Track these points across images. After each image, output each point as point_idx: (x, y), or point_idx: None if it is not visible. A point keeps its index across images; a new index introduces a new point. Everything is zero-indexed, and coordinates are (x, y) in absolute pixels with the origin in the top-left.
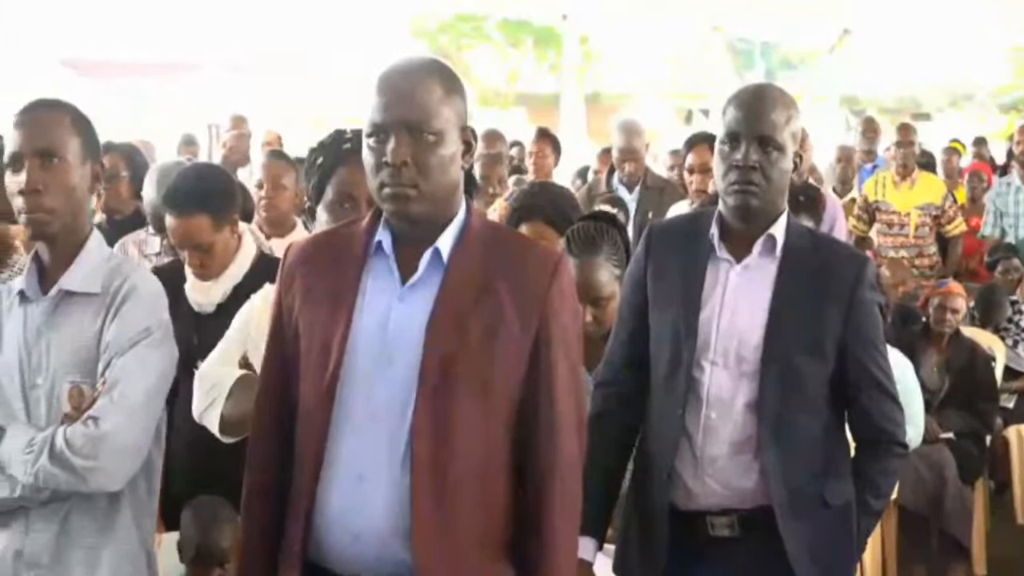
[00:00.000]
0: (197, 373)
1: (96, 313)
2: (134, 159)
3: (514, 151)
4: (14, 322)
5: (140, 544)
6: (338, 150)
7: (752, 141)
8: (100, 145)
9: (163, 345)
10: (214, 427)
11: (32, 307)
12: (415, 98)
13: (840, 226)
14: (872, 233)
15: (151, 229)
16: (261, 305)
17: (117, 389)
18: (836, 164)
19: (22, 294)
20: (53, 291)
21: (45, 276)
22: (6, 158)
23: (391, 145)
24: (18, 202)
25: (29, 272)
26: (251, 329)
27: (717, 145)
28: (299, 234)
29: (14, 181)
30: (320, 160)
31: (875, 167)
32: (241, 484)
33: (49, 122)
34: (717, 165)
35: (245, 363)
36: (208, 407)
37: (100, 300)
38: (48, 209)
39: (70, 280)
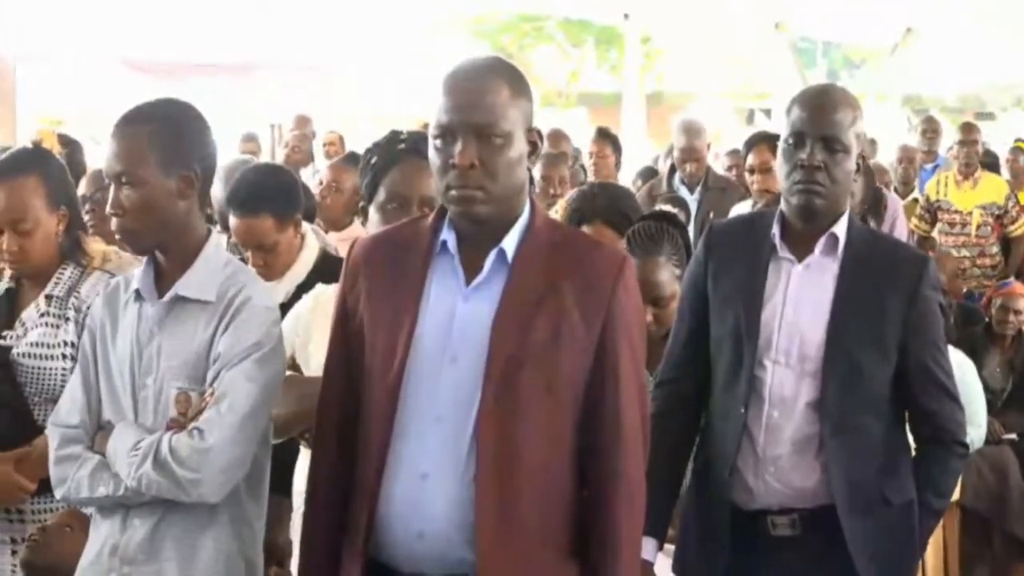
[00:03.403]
0: None
1: (208, 321)
2: None
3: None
4: (129, 319)
5: (239, 550)
6: (392, 150)
7: (817, 141)
8: (192, 149)
9: (273, 359)
10: None
11: (146, 306)
12: (483, 100)
13: (901, 226)
14: (934, 233)
15: (219, 227)
16: (311, 305)
17: (225, 403)
18: (898, 164)
19: (137, 292)
20: (168, 295)
21: (161, 277)
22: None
23: (458, 147)
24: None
25: (145, 272)
26: (299, 329)
27: (781, 144)
28: (356, 229)
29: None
30: (374, 160)
31: (936, 167)
32: (289, 480)
33: (126, 141)
34: (781, 164)
35: (292, 363)
36: None
37: (213, 308)
38: (131, 230)
39: (186, 286)
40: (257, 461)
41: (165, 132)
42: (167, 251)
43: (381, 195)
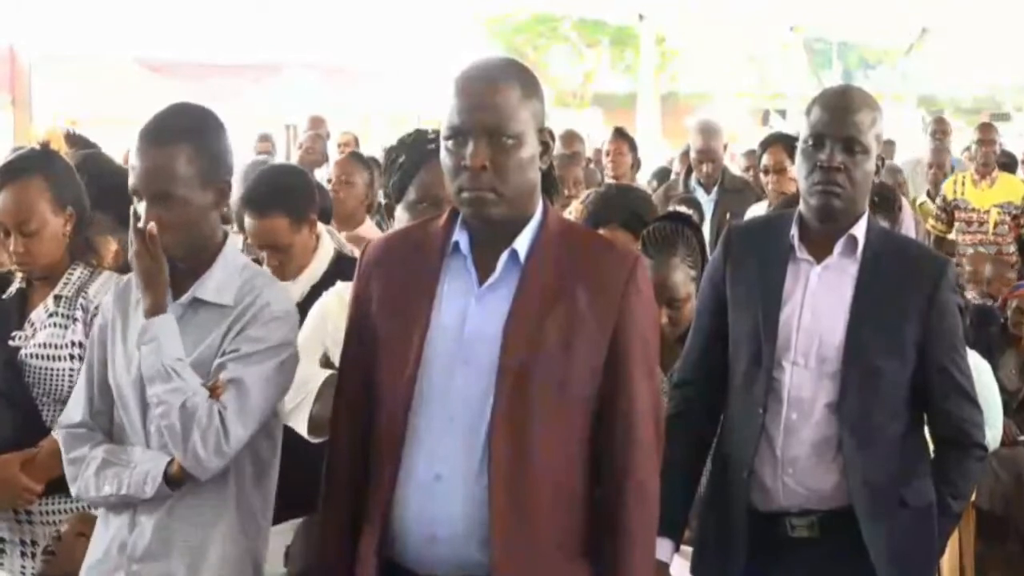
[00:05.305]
0: None
1: (223, 324)
2: None
3: (591, 153)
4: (140, 317)
5: (246, 551)
6: (421, 150)
7: (837, 142)
8: (223, 160)
9: (291, 364)
10: (302, 428)
11: None
12: (494, 101)
13: (908, 228)
14: (952, 233)
15: (235, 227)
16: (336, 301)
17: (247, 401)
18: (928, 170)
19: None
20: (186, 297)
21: (174, 278)
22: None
23: (470, 149)
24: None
25: None
26: (329, 327)
27: (801, 145)
28: (366, 229)
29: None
30: (401, 159)
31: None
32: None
33: (161, 161)
34: (800, 165)
35: (327, 362)
36: (295, 408)
37: (230, 312)
38: (167, 245)
39: (204, 289)
40: (263, 455)
41: (201, 148)
42: (187, 258)
43: (411, 195)
